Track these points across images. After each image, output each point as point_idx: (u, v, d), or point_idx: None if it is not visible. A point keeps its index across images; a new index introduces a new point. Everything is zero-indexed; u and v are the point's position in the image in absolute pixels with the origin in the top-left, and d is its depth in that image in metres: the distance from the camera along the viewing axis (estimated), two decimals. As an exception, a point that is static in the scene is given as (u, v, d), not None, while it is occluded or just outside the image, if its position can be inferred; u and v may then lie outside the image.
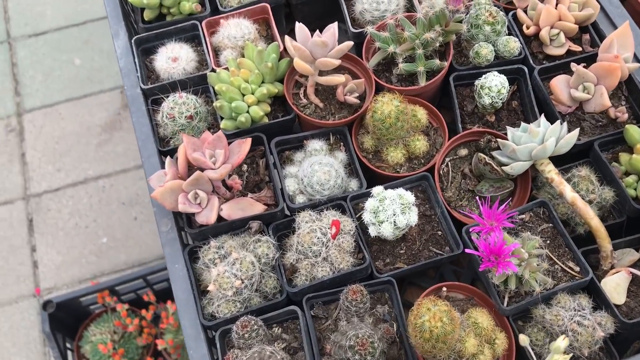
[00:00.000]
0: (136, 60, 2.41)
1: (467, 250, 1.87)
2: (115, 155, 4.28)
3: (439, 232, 2.10)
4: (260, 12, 2.49)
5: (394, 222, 1.94)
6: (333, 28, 2.18)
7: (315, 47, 2.15)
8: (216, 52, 2.44)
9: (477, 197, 2.11)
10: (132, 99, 2.32)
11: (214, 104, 2.22)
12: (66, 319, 3.37)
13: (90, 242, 4.02)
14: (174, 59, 2.38)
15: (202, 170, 2.01)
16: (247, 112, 2.20)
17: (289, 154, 2.26)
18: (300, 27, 2.17)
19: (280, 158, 2.25)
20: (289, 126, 2.32)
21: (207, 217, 2.00)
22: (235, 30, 2.38)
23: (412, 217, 1.97)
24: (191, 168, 2.07)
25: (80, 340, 3.37)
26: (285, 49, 2.22)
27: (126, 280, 3.45)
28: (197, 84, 2.35)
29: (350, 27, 2.40)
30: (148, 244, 4.02)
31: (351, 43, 2.19)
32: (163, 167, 2.18)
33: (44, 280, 3.96)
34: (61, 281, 3.95)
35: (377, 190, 2.01)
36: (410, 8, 2.42)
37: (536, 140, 1.99)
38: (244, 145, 2.06)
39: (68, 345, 3.37)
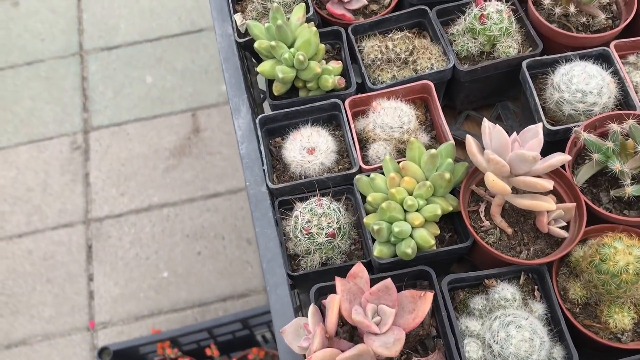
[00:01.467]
0: (261, 146, 1.52)
1: None
2: (183, 182, 3.39)
3: None
4: (419, 91, 1.60)
5: None
6: (537, 133, 1.30)
7: (518, 161, 1.26)
8: (360, 140, 1.55)
9: None
10: (256, 200, 1.43)
11: (365, 222, 1.34)
12: (122, 366, 2.53)
13: (150, 275, 3.15)
14: (310, 150, 1.49)
15: (360, 333, 1.13)
16: (413, 237, 1.30)
17: (464, 296, 1.36)
18: (496, 131, 1.29)
19: (452, 302, 1.35)
20: (459, 254, 1.42)
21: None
22: (392, 117, 1.49)
23: None
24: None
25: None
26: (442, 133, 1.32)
27: (189, 332, 2.59)
28: (338, 183, 1.46)
29: (544, 121, 1.49)
30: (211, 282, 3.15)
31: (567, 157, 1.29)
32: (294, 303, 1.29)
33: (99, 313, 3.09)
34: (117, 316, 3.08)
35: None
36: (624, 102, 1.51)
37: None
38: (422, 303, 1.17)
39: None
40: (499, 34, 1.65)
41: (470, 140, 1.35)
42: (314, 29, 1.60)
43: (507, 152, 1.30)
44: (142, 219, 3.32)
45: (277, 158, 1.57)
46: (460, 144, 1.64)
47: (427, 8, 1.75)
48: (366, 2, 1.77)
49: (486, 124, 1.36)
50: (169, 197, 3.36)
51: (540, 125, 1.34)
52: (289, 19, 1.66)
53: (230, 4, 1.80)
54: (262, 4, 1.74)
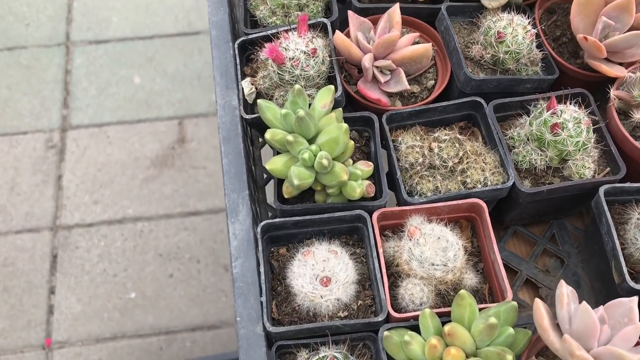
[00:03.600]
0: (261, 267, 1.03)
1: None
2: (161, 196, 2.87)
3: None
4: (466, 210, 1.17)
5: None
6: (632, 315, 0.83)
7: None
8: (389, 266, 1.07)
9: None
10: (247, 345, 1.02)
11: None
12: None
13: (116, 294, 2.65)
14: (324, 280, 1.02)
15: None
16: None
17: None
18: (581, 311, 0.85)
19: None
20: None
21: None
22: (434, 250, 1.08)
23: None
24: None
25: None
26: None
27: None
28: (358, 329, 0.99)
29: (627, 277, 1.02)
30: (181, 309, 2.66)
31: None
32: None
33: (58, 330, 2.59)
34: (76, 335, 2.59)
35: None
36: None
37: None
38: None
39: None
40: (573, 149, 1.16)
41: (540, 309, 0.90)
42: (344, 125, 1.10)
43: (593, 341, 0.84)
44: (114, 232, 2.81)
45: (279, 278, 1.08)
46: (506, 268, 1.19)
47: (481, 101, 1.25)
48: (408, 87, 1.26)
49: (564, 290, 0.90)
50: (145, 210, 2.84)
51: (635, 301, 0.87)
52: (311, 104, 1.15)
53: (238, 67, 1.27)
54: (279, 74, 1.23)
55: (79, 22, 3.14)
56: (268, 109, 1.16)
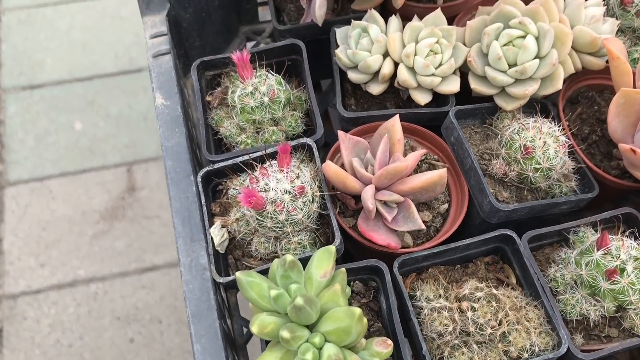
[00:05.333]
0: None
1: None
2: (114, 252, 2.45)
3: None
4: None
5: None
6: None
7: None
8: None
9: None
10: None
11: None
12: None
13: (73, 367, 2.23)
14: None
15: None
16: None
17: None
18: None
19: None
20: None
21: None
22: None
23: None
24: None
25: None
26: None
27: None
28: None
29: None
30: (144, 377, 2.27)
31: None
32: None
33: (10, 414, 2.17)
34: (32, 418, 2.16)
35: None
36: None
37: None
38: None
39: None
40: (636, 298, 0.83)
41: None
42: (357, 311, 0.74)
43: None
44: (64, 297, 2.37)
45: None
46: None
47: (513, 235, 0.91)
48: (423, 227, 0.90)
49: None
50: (98, 270, 2.42)
51: None
52: (305, 267, 0.79)
53: (204, 207, 0.89)
54: (259, 219, 0.85)
55: (9, 67, 2.64)
56: (251, 286, 0.79)
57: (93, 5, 2.86)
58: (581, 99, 1.11)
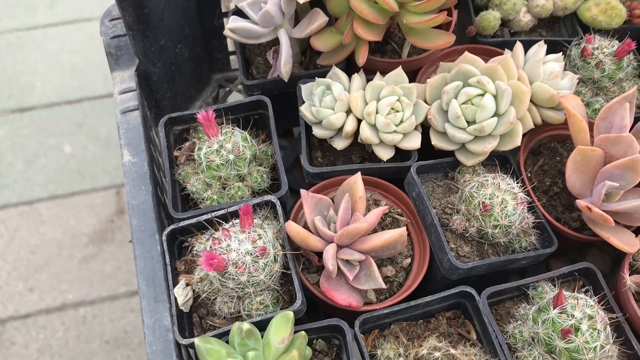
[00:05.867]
0: None
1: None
2: (103, 276, 2.47)
3: None
4: None
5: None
6: None
7: None
8: None
9: None
10: None
11: None
12: None
13: (61, 391, 2.25)
14: None
15: None
16: None
17: None
18: None
19: None
20: None
21: None
22: None
23: None
24: None
25: None
26: None
27: None
28: None
29: None
30: (133, 401, 2.29)
31: None
32: None
33: None
34: None
35: None
36: None
37: None
38: None
39: None
40: (592, 356, 0.85)
41: None
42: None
43: None
44: (53, 321, 2.39)
45: None
46: None
47: (472, 292, 0.93)
48: (384, 286, 0.92)
49: None
50: (87, 293, 2.43)
51: None
52: (264, 331, 0.81)
53: (169, 267, 0.91)
54: (221, 280, 0.88)
55: (-2, 91, 2.66)
56: (210, 353, 0.81)
57: (82, 27, 2.87)
58: (543, 149, 1.13)
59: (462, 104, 1.01)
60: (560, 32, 1.24)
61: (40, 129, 2.66)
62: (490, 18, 1.15)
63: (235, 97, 1.33)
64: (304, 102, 1.09)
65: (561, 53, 1.12)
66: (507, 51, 1.11)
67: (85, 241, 2.53)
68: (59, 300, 2.40)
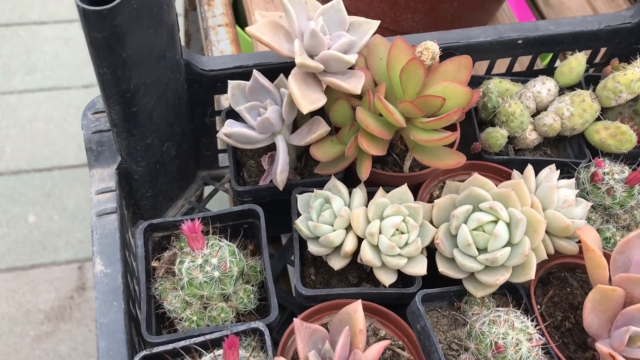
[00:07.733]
0: None
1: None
2: (56, 356, 2.26)
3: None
4: None
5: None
6: None
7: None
8: None
9: None
10: None
11: None
12: None
13: None
14: None
15: None
16: None
17: None
18: None
19: None
20: None
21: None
22: None
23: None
24: None
25: None
26: None
27: None
28: None
29: None
30: None
31: None
32: None
33: None
34: None
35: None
36: None
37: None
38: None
39: None
40: None
41: None
42: None
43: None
44: (-3, 407, 2.15)
45: None
46: None
47: None
48: None
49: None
50: (37, 377, 2.21)
51: None
52: None
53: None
54: None
55: (-37, 155, 2.49)
56: None
57: (59, 95, 2.75)
58: (553, 279, 1.03)
59: (473, 230, 0.91)
60: (566, 151, 1.17)
61: (5, 197, 2.49)
62: (498, 136, 1.07)
63: (221, 196, 1.21)
64: (298, 214, 0.98)
65: (571, 177, 1.04)
66: (516, 173, 1.03)
67: (40, 318, 2.34)
68: (6, 384, 2.18)
